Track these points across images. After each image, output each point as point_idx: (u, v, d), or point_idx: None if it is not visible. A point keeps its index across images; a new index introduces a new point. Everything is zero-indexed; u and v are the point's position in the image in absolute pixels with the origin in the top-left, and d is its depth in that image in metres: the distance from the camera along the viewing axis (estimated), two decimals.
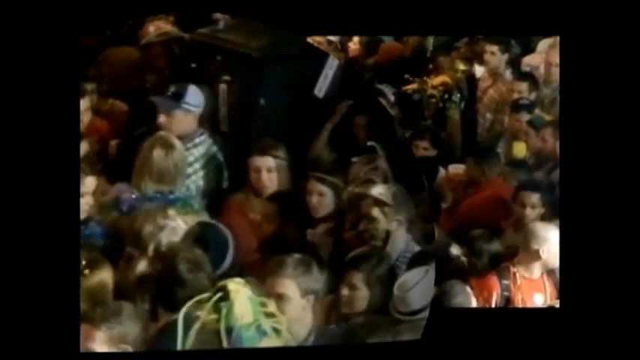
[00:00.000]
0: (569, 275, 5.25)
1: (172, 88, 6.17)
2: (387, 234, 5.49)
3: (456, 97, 8.30)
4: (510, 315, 5.78)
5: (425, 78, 8.25)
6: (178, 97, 6.12)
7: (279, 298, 4.76)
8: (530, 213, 6.50)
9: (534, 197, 6.52)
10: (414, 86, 8.14)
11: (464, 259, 6.26)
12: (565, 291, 5.34)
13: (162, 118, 6.10)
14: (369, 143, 6.06)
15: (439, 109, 8.18)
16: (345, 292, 5.11)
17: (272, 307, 4.56)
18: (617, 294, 5.14)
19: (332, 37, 8.62)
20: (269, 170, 5.97)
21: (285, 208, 5.93)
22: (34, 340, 4.74)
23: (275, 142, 6.08)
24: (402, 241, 5.57)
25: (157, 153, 5.74)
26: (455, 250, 6.29)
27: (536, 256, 5.95)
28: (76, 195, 5.13)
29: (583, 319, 5.16)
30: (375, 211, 5.50)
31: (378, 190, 5.60)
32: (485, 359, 5.22)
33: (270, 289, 4.80)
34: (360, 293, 5.11)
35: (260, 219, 5.94)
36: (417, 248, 5.58)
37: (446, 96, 8.26)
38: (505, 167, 7.23)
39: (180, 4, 5.79)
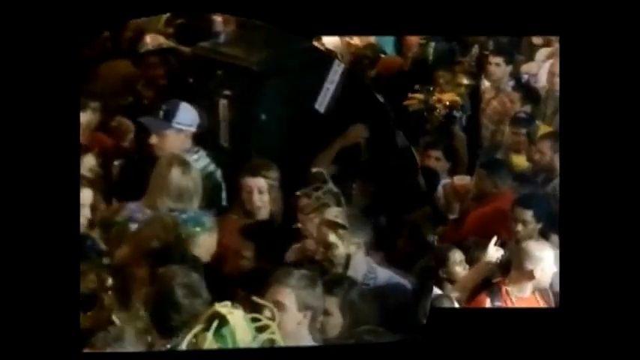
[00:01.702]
0: (568, 278, 5.31)
1: (164, 107, 6.19)
2: (347, 258, 5.48)
3: (458, 112, 8.34)
4: (509, 316, 5.79)
5: (432, 90, 8.29)
6: (169, 117, 6.14)
7: (276, 306, 4.75)
8: (522, 229, 6.49)
9: (527, 214, 6.49)
10: (420, 96, 8.18)
11: (466, 266, 6.28)
12: (564, 293, 5.38)
13: (154, 139, 6.14)
14: (314, 169, 6.02)
15: (442, 123, 8.21)
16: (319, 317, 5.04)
17: (265, 318, 4.58)
18: (615, 298, 5.19)
19: (331, 47, 8.68)
20: (260, 192, 6.01)
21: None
22: (35, 340, 4.79)
23: (267, 162, 6.11)
24: (362, 264, 5.54)
25: (175, 172, 5.75)
26: (458, 255, 6.30)
27: (529, 275, 5.91)
28: (76, 199, 5.17)
29: (581, 321, 5.21)
30: (332, 237, 5.47)
31: (332, 213, 5.58)
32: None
33: (269, 295, 4.82)
34: (333, 320, 5.12)
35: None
36: (380, 271, 5.56)
37: (447, 111, 8.31)
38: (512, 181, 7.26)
39: (182, 4, 5.87)
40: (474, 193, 7.20)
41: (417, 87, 8.20)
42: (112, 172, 6.45)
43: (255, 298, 4.73)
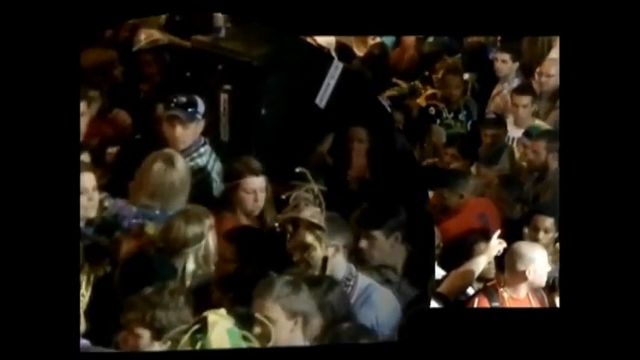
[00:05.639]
0: (568, 278, 5.40)
1: (183, 99, 6.29)
2: (324, 260, 5.43)
3: (432, 110, 8.57)
4: (508, 316, 5.88)
5: (415, 83, 8.52)
6: (193, 107, 6.28)
7: (263, 322, 4.80)
8: (543, 237, 6.64)
9: (549, 221, 6.66)
10: (403, 85, 8.40)
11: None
12: (564, 293, 5.51)
13: (179, 131, 6.24)
14: (298, 170, 5.90)
15: (420, 117, 8.41)
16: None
17: (255, 336, 4.69)
18: (615, 298, 5.27)
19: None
20: (261, 191, 6.08)
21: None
22: (34, 340, 4.85)
23: (254, 159, 6.17)
24: (342, 267, 5.54)
25: (157, 167, 5.83)
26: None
27: (522, 277, 6.06)
28: (76, 195, 5.24)
29: (581, 321, 5.30)
30: (309, 238, 5.42)
31: (310, 213, 5.51)
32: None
33: (256, 311, 4.86)
34: (315, 321, 5.06)
35: None
36: (360, 278, 5.54)
37: (451, 115, 8.52)
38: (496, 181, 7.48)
39: (181, 5, 5.99)
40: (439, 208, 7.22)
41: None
42: (106, 162, 6.56)
43: (257, 315, 4.81)
